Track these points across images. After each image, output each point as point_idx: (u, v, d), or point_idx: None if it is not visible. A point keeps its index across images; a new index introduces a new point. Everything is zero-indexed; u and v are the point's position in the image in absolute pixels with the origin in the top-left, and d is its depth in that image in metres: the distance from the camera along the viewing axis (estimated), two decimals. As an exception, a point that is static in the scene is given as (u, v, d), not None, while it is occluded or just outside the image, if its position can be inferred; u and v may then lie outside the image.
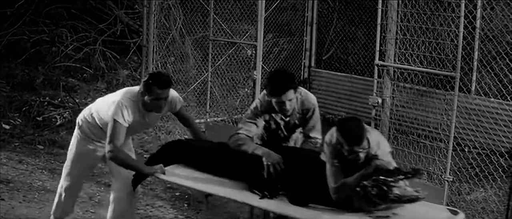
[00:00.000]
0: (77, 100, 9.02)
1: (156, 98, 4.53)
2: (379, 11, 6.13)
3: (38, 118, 8.36)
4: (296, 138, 4.91)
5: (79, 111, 8.50)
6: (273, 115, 4.67)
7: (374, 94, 6.30)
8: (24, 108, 8.52)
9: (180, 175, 4.64)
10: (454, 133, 5.63)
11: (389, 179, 3.86)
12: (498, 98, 7.20)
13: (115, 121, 4.53)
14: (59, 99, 8.95)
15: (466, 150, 6.38)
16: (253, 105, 4.74)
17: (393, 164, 4.07)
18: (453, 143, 5.62)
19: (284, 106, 4.49)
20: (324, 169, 4.15)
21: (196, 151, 4.79)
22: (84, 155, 4.89)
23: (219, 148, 4.76)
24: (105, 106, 4.71)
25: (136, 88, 4.69)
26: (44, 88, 9.36)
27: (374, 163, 3.97)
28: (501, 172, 6.23)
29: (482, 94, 6.88)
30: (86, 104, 9.04)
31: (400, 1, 6.00)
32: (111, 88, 9.85)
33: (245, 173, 4.51)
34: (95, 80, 9.98)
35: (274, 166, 4.39)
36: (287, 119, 4.70)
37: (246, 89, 9.44)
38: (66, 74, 9.94)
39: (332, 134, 4.11)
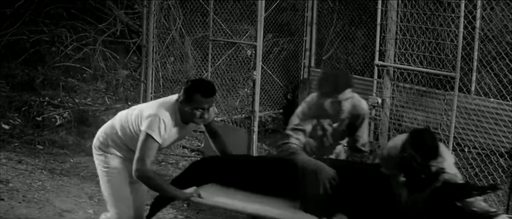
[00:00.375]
0: (76, 101, 9.02)
1: (198, 108, 4.07)
2: (379, 11, 6.14)
3: (37, 118, 8.36)
4: (339, 151, 4.58)
5: (79, 111, 8.62)
6: (321, 120, 4.32)
7: (374, 94, 6.30)
8: (24, 109, 8.52)
9: (219, 196, 4.17)
10: (454, 133, 5.64)
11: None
12: (498, 99, 7.19)
13: (148, 136, 4.01)
14: (59, 99, 8.95)
15: (466, 150, 6.38)
16: (299, 109, 4.34)
17: (459, 176, 3.84)
18: (453, 143, 5.63)
19: (340, 106, 4.13)
20: (385, 183, 3.83)
21: (234, 167, 4.33)
22: (123, 170, 4.30)
23: (259, 163, 4.39)
24: (133, 121, 4.18)
25: (171, 98, 4.20)
26: (43, 88, 9.36)
27: (443, 177, 3.70)
28: (501, 172, 6.23)
29: (482, 95, 6.88)
30: (86, 105, 9.13)
31: (400, 1, 6.00)
32: (111, 88, 9.85)
33: (295, 190, 4.08)
34: (95, 80, 9.98)
35: (329, 181, 3.99)
36: (336, 124, 4.34)
37: (246, 89, 9.44)
38: (65, 74, 9.94)
39: (396, 145, 3.81)
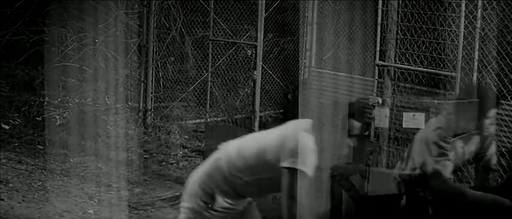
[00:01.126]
0: (76, 101, 9.01)
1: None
2: (379, 11, 6.14)
3: (37, 118, 8.35)
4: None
5: (79, 111, 8.61)
6: (457, 142, 3.98)
7: (375, 94, 6.30)
8: (24, 109, 8.51)
9: None
10: (455, 133, 5.62)
11: None
12: (499, 99, 7.19)
13: (300, 173, 3.22)
14: (59, 99, 8.94)
15: (466, 150, 6.37)
16: (435, 137, 3.92)
17: None
18: (453, 143, 5.61)
19: (490, 124, 3.94)
20: None
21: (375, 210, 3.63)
22: None
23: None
24: (253, 154, 3.33)
25: (306, 123, 3.43)
26: (43, 88, 9.35)
27: None
28: (501, 172, 6.21)
29: (483, 95, 6.86)
30: (86, 105, 9.12)
31: (400, 1, 6.00)
32: (111, 88, 9.84)
33: None
34: (95, 81, 9.97)
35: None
36: (467, 145, 4.06)
37: (246, 89, 9.43)
38: (65, 74, 9.94)
39: None
